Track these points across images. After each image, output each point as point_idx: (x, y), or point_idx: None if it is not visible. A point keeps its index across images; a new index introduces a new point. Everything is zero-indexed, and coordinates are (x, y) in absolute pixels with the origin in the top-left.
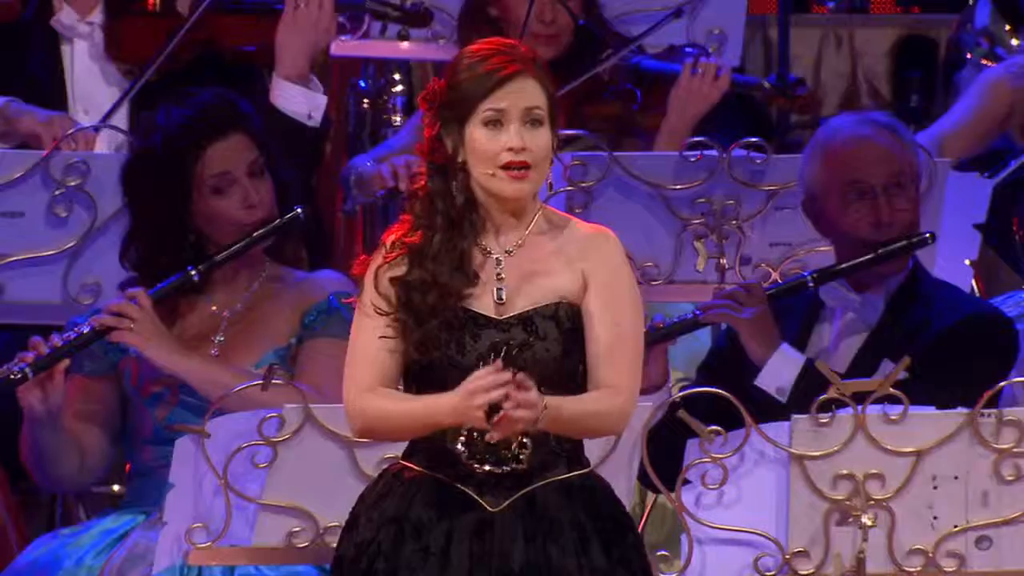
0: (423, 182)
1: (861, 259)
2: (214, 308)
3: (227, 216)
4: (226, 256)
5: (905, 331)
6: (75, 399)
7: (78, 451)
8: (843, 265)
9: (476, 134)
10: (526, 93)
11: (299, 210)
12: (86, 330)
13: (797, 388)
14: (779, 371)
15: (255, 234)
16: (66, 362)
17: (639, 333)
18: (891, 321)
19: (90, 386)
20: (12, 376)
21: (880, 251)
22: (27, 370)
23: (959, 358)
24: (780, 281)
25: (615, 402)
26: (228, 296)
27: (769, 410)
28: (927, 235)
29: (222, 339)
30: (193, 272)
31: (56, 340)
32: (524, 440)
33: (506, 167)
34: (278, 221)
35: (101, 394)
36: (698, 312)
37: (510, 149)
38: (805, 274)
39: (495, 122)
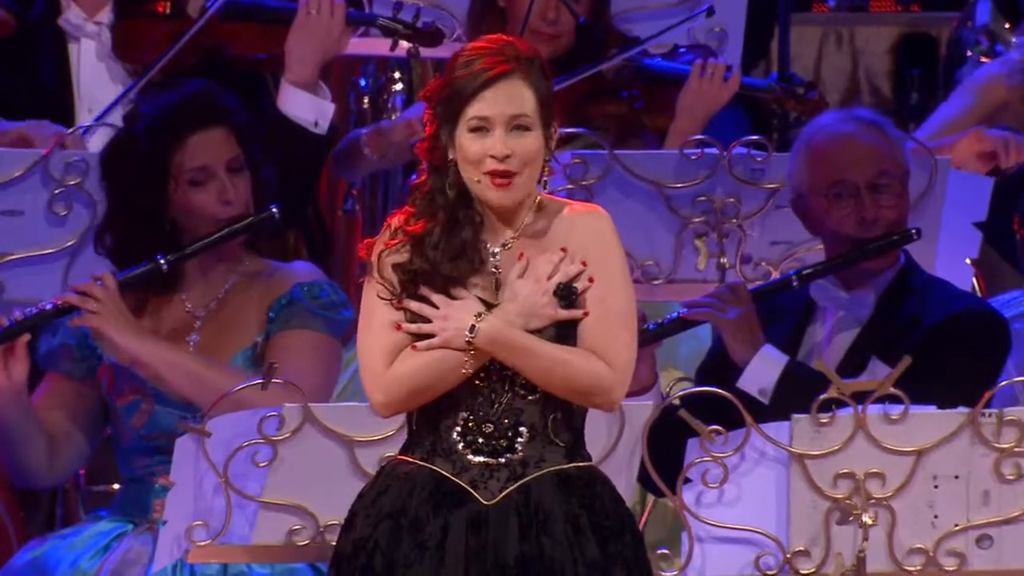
0: (423, 177)
1: (840, 256)
2: (189, 307)
3: (203, 209)
4: (197, 248)
5: (895, 328)
6: (48, 395)
7: (47, 442)
8: (825, 263)
9: (463, 139)
10: (513, 99)
11: (274, 209)
12: (48, 307)
13: (779, 389)
14: (761, 372)
15: (227, 229)
16: (27, 337)
17: (628, 309)
18: (881, 318)
19: (67, 385)
20: None
21: (862, 248)
22: None
23: (948, 355)
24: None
25: (596, 365)
26: (203, 294)
27: (756, 412)
28: (912, 231)
29: (196, 339)
30: (162, 261)
31: (18, 314)
32: (520, 429)
33: (490, 174)
34: (251, 218)
35: (77, 395)
36: (683, 311)
37: (493, 156)
38: (790, 273)
39: (481, 129)
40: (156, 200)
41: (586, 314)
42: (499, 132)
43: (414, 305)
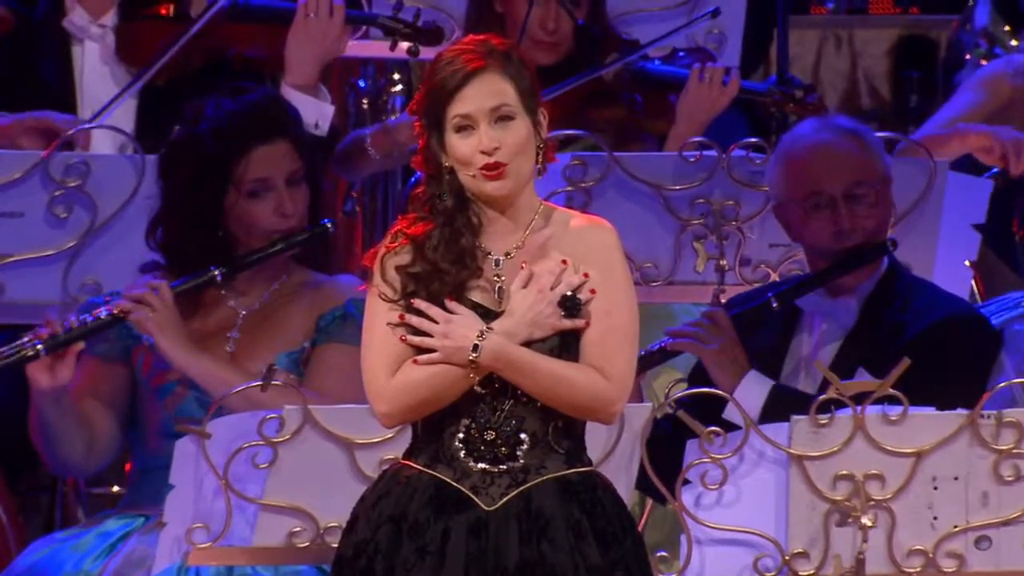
0: (421, 188)
1: (817, 275)
2: (233, 304)
3: (259, 221)
4: (252, 261)
5: (881, 335)
6: (86, 380)
7: (87, 431)
8: (802, 281)
9: (452, 141)
10: (490, 92)
11: (328, 224)
12: (104, 314)
13: (765, 414)
14: (746, 398)
15: (282, 244)
16: (80, 345)
17: (631, 324)
18: (866, 325)
19: (102, 368)
20: (25, 353)
21: (838, 265)
22: (40, 348)
23: (933, 362)
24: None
25: (595, 380)
26: (249, 294)
27: None
28: (887, 243)
29: (237, 336)
30: (216, 272)
31: (72, 320)
32: (521, 436)
33: (482, 169)
34: (307, 233)
35: (112, 378)
36: (666, 341)
37: (482, 152)
38: (768, 295)
39: (466, 127)
40: (213, 207)
41: (588, 324)
42: (483, 126)
43: (415, 320)
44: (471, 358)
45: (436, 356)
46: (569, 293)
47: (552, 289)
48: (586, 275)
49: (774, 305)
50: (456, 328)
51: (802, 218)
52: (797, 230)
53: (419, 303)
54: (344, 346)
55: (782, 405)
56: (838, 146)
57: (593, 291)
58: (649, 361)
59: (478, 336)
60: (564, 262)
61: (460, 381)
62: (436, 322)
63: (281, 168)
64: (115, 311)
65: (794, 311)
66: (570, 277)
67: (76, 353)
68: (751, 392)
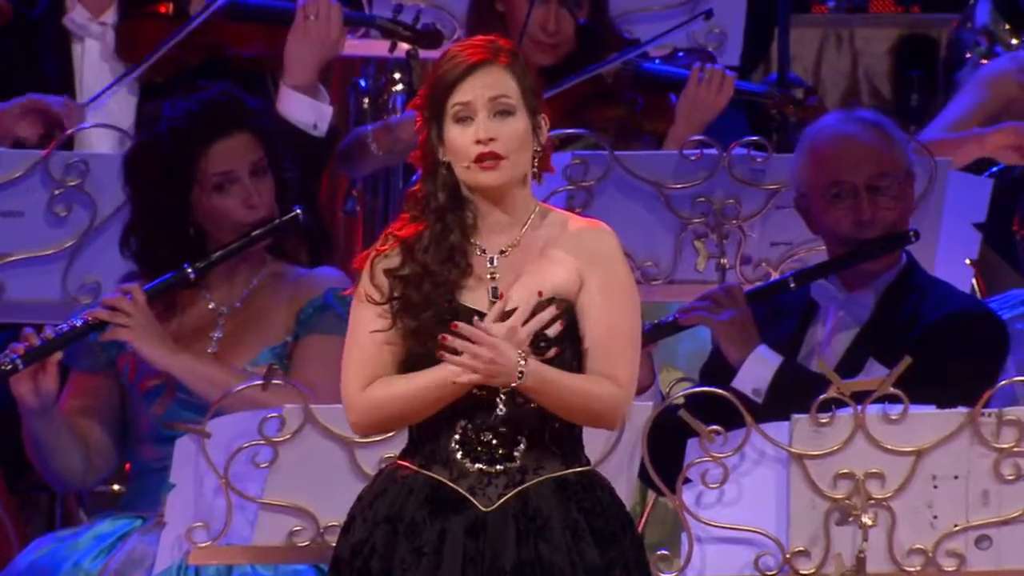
0: (418, 185)
1: (837, 259)
2: (212, 305)
3: (227, 214)
4: (223, 255)
5: (893, 329)
6: (75, 396)
7: (82, 447)
8: (822, 265)
9: (450, 132)
10: (491, 83)
11: (298, 211)
12: (79, 323)
13: (772, 390)
14: (755, 372)
15: (253, 234)
16: (59, 355)
17: (635, 327)
18: (880, 319)
19: (89, 382)
20: (3, 367)
21: (858, 250)
22: (18, 361)
23: (943, 355)
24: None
25: (608, 389)
26: (227, 293)
27: (756, 412)
28: (909, 233)
29: (219, 336)
30: (189, 270)
31: (49, 332)
32: (519, 438)
33: (478, 159)
34: (277, 221)
35: (101, 390)
36: (679, 315)
37: (478, 141)
38: (787, 275)
39: (465, 118)
40: (180, 205)
41: (559, 352)
42: (482, 116)
43: (459, 343)
44: (516, 384)
45: (476, 378)
46: (540, 330)
47: (525, 323)
48: (559, 307)
49: (792, 285)
50: (503, 353)
51: (823, 208)
52: (818, 220)
53: (463, 327)
54: (326, 336)
55: (790, 381)
56: (862, 137)
57: (562, 323)
58: (660, 332)
59: (521, 362)
60: (539, 293)
61: (438, 403)
62: (479, 344)
63: (243, 160)
64: (90, 319)
65: (811, 304)
66: (541, 313)
67: (56, 363)
68: (760, 366)
